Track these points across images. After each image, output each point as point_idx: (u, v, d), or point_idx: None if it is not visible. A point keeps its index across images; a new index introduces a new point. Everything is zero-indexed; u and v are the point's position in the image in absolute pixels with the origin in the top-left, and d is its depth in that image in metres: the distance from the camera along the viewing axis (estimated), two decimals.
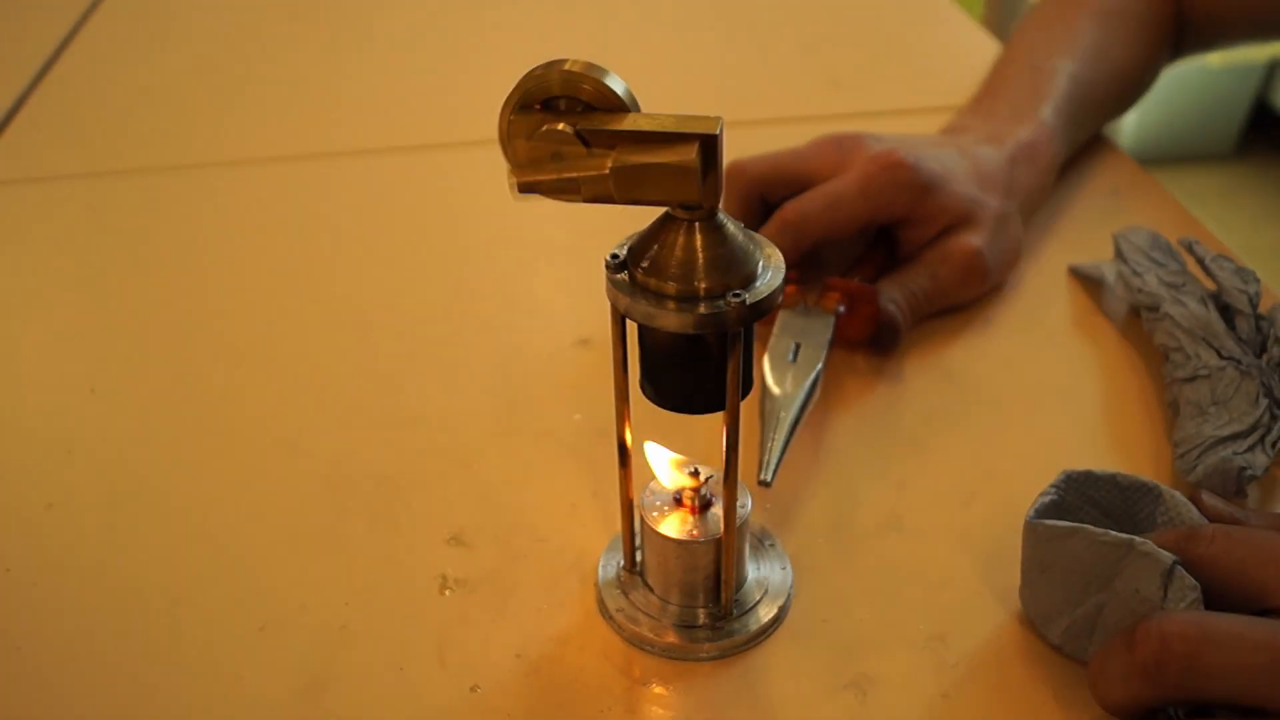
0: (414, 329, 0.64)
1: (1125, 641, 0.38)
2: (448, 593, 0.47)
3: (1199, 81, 2.57)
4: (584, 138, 0.36)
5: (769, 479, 0.49)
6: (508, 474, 0.53)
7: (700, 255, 0.38)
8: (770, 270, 0.39)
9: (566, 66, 0.36)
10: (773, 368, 0.54)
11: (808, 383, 0.53)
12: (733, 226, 0.38)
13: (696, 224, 0.38)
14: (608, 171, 0.36)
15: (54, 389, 0.61)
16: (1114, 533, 0.41)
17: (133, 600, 0.48)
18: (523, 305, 0.65)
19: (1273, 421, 0.49)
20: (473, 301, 0.66)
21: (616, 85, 0.37)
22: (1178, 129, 2.66)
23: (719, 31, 1.03)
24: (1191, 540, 0.41)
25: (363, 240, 0.73)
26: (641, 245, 0.39)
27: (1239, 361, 0.51)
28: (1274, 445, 0.49)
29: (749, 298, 0.37)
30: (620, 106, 0.37)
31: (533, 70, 0.37)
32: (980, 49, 0.94)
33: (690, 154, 0.36)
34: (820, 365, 0.54)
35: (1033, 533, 0.43)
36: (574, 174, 0.36)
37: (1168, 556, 0.39)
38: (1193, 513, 0.43)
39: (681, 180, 0.36)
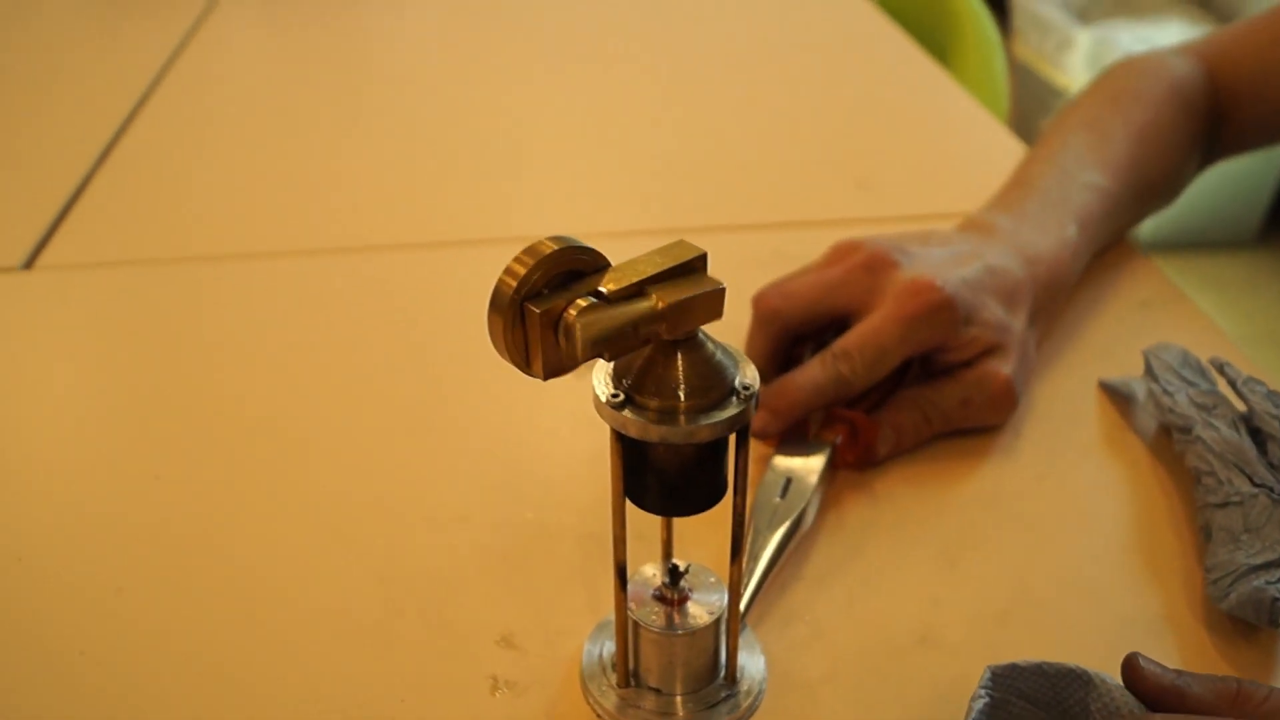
0: (462, 426, 0.66)
1: None
2: (498, 694, 0.49)
3: (1221, 169, 2.56)
4: (608, 300, 0.38)
5: (741, 616, 0.50)
6: (554, 576, 0.55)
7: (705, 366, 0.40)
8: (743, 361, 0.42)
9: (553, 248, 0.38)
10: (758, 507, 0.56)
11: (788, 523, 0.55)
12: (703, 335, 0.41)
13: (688, 342, 0.40)
14: (661, 311, 0.38)
15: (120, 475, 0.63)
16: None
17: (198, 685, 0.50)
18: (566, 406, 0.67)
19: None
20: (520, 401, 0.68)
21: (589, 245, 0.39)
22: (1200, 216, 2.68)
23: (744, 133, 1.05)
24: None
25: (415, 336, 0.75)
26: (642, 377, 0.40)
27: (1271, 489, 0.53)
28: None
29: (754, 386, 0.41)
30: (604, 263, 0.39)
31: (513, 268, 0.38)
32: (1005, 152, 0.96)
33: (714, 280, 0.40)
34: (805, 504, 0.56)
35: None
36: (629, 317, 0.38)
37: None
38: (1127, 698, 0.43)
39: (715, 301, 0.40)
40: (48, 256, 0.85)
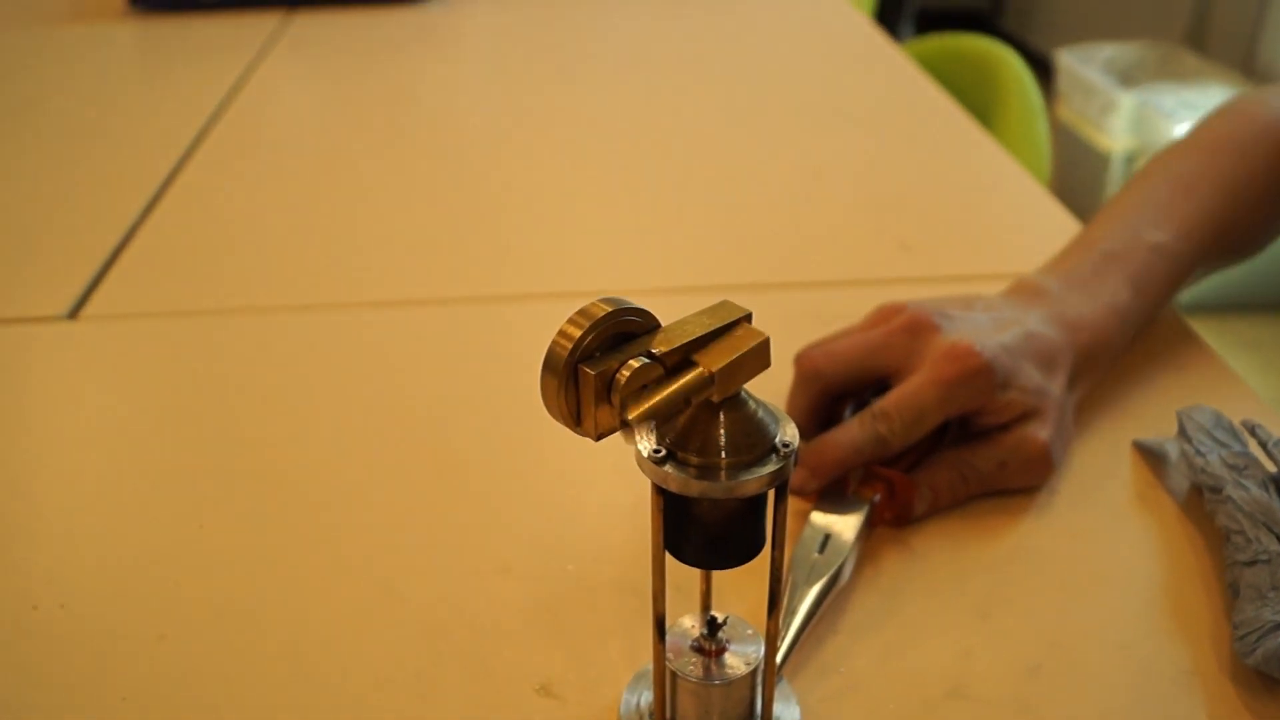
0: (504, 479, 0.68)
1: None
2: None
3: None
4: (660, 361, 0.39)
5: (777, 667, 0.51)
6: (593, 626, 0.56)
7: (746, 424, 0.41)
8: (783, 419, 0.43)
9: (606, 310, 0.39)
10: (796, 562, 0.57)
11: (826, 578, 0.56)
12: (745, 394, 0.42)
13: (731, 401, 0.41)
14: (712, 374, 0.39)
15: (164, 523, 0.65)
16: None
17: None
18: (607, 459, 0.69)
19: None
20: (561, 454, 0.70)
21: (639, 306, 0.40)
22: (1234, 277, 2.66)
23: (788, 193, 1.07)
24: None
25: (458, 389, 0.77)
26: (685, 435, 0.41)
27: None
28: None
29: (793, 444, 0.42)
30: (655, 323, 0.41)
31: (567, 330, 0.39)
32: (1046, 215, 0.98)
33: (759, 333, 0.41)
34: (842, 560, 0.57)
35: None
36: (680, 390, 0.39)
37: None
38: None
39: (761, 354, 0.41)
40: (93, 306, 0.88)
